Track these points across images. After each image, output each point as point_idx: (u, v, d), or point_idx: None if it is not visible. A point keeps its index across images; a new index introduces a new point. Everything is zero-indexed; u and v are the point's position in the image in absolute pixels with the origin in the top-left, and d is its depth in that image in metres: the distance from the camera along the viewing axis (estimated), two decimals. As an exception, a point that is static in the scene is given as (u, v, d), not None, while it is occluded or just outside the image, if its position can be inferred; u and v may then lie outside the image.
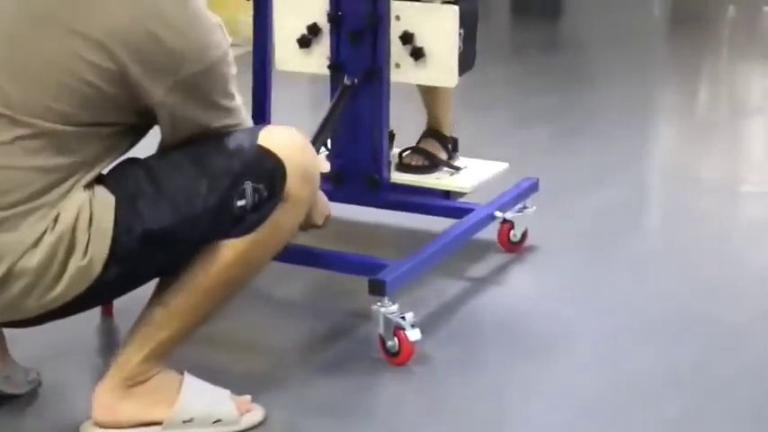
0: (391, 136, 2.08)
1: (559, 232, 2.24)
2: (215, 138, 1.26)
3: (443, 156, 2.18)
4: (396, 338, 1.57)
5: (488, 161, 2.25)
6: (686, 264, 2.22)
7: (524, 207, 2.07)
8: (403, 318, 1.56)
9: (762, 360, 1.67)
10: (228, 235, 1.24)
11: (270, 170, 1.24)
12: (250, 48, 1.89)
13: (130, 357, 1.32)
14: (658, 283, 2.07)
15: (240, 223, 1.25)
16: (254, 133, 1.25)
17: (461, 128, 2.36)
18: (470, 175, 2.14)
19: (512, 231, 2.08)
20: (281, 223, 1.29)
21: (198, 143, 1.26)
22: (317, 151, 1.81)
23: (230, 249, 1.27)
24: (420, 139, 2.22)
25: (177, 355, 1.48)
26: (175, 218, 1.21)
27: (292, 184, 1.25)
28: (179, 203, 1.21)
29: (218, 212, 1.23)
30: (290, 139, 1.28)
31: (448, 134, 2.24)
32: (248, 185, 1.24)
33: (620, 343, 1.77)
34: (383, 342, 1.57)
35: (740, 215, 2.69)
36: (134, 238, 1.20)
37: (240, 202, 1.24)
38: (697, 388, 1.58)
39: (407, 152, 2.16)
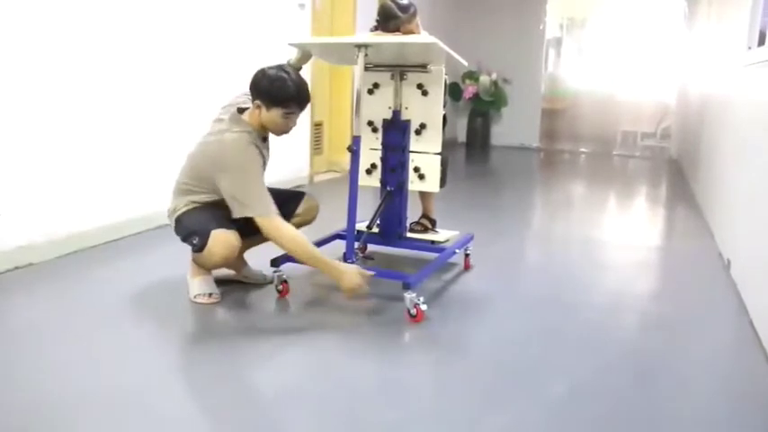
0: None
1: (485, 259, 3.49)
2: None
3: (430, 226, 3.49)
4: (415, 309, 2.55)
5: (450, 231, 3.48)
6: (550, 271, 3.48)
7: (468, 248, 3.35)
8: (419, 299, 2.56)
9: (625, 352, 2.43)
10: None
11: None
12: (346, 173, 2.94)
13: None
14: (533, 279, 3.35)
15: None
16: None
17: (439, 210, 3.66)
18: (442, 235, 3.40)
19: (468, 259, 3.32)
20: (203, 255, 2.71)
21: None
22: (373, 223, 3.03)
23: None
24: (419, 218, 3.51)
25: (303, 316, 2.58)
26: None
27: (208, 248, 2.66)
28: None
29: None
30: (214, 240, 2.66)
31: (432, 217, 3.54)
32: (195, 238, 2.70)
33: (519, 305, 2.88)
34: (408, 311, 2.57)
35: (579, 251, 4.00)
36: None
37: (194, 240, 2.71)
38: (578, 371, 2.26)
39: (414, 223, 3.44)
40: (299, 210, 3.03)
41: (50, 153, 3.37)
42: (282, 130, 2.74)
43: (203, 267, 2.81)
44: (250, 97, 2.77)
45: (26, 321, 2.59)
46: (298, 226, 2.89)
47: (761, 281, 2.71)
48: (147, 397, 1.99)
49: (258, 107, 2.67)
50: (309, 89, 2.71)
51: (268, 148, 2.86)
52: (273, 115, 2.66)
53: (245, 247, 2.92)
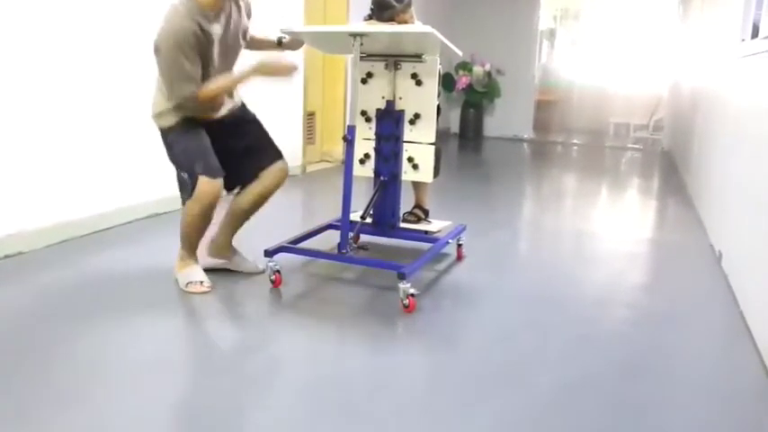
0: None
1: (478, 250, 3.51)
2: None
3: (423, 216, 3.52)
4: (408, 299, 2.58)
5: (443, 221, 3.51)
6: (541, 263, 3.50)
7: (460, 239, 3.37)
8: (412, 289, 2.59)
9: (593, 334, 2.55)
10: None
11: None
12: (341, 163, 3.12)
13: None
14: (525, 269, 3.35)
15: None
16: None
17: (432, 200, 3.68)
18: (435, 225, 3.42)
19: (460, 249, 3.36)
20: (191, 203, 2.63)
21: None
22: (367, 213, 3.02)
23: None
24: (412, 208, 3.53)
25: (308, 304, 2.59)
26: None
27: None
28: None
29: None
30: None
31: (425, 207, 3.56)
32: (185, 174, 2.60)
33: (510, 297, 2.89)
34: (402, 301, 2.60)
35: (570, 243, 4.04)
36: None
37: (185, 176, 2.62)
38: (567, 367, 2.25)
39: (407, 213, 3.46)
40: (264, 175, 2.89)
41: (40, 142, 3.34)
42: None
43: (187, 219, 2.70)
44: None
45: (16, 310, 2.57)
46: (261, 196, 2.86)
47: (751, 272, 2.72)
48: (137, 387, 1.97)
49: None
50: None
51: (226, 24, 2.67)
52: None
53: (231, 232, 2.90)
